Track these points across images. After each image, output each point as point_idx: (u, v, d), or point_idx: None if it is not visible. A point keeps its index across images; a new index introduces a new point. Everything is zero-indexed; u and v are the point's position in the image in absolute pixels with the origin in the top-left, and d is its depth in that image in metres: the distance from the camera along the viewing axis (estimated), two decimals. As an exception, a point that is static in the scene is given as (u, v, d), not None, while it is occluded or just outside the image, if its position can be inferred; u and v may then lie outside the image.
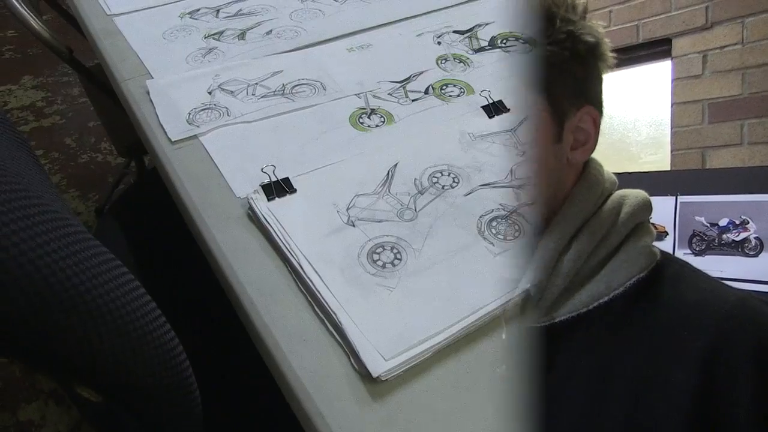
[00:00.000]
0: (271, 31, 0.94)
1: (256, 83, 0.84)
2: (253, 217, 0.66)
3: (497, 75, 0.86)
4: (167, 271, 0.89)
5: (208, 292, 0.86)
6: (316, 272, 0.59)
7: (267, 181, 0.68)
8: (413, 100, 0.81)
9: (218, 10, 1.00)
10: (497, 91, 0.83)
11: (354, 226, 0.64)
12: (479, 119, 0.78)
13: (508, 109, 0.79)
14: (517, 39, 0.93)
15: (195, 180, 0.71)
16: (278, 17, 0.98)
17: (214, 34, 0.94)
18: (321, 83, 0.84)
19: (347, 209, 0.66)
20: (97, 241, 0.48)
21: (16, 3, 1.06)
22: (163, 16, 0.99)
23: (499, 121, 0.78)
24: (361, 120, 0.78)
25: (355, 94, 0.82)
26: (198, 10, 1.00)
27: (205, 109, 0.79)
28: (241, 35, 0.93)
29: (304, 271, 0.59)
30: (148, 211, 0.99)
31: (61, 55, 1.07)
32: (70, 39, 1.10)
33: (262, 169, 0.69)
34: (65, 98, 2.00)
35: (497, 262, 0.61)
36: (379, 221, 0.65)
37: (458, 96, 0.82)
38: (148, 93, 0.83)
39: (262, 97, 0.81)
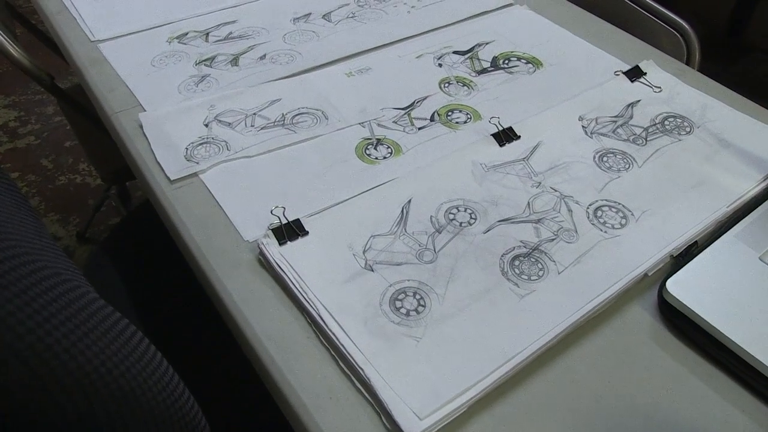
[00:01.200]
0: (264, 55, 0.91)
1: (254, 113, 0.80)
2: (264, 262, 0.63)
3: (502, 98, 0.84)
4: (168, 314, 0.86)
5: (216, 339, 0.82)
6: (338, 324, 0.56)
7: (277, 223, 0.65)
8: (419, 128, 0.79)
9: (207, 34, 0.96)
10: (505, 116, 0.81)
11: (372, 270, 0.61)
12: (490, 148, 0.76)
13: (518, 136, 0.77)
14: (518, 59, 0.91)
15: (198, 222, 0.67)
16: (271, 40, 0.94)
17: (205, 60, 0.90)
18: (322, 112, 0.80)
19: (364, 252, 0.63)
20: (102, 300, 0.45)
21: (-9, 29, 1.01)
22: (150, 41, 0.95)
23: (511, 150, 0.76)
24: (367, 151, 0.75)
25: (359, 123, 0.79)
26: (186, 34, 0.96)
27: (203, 143, 0.76)
28: (234, 60, 0.90)
29: (325, 323, 0.56)
30: (142, 246, 0.95)
31: (42, 82, 1.02)
32: (41, 55, 1.04)
33: (271, 212, 0.66)
34: (39, 117, 1.93)
35: (524, 305, 0.59)
36: (398, 264, 0.62)
37: (465, 122, 0.80)
38: (141, 126, 0.79)
39: (261, 128, 0.78)
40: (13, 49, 1.00)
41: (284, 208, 0.66)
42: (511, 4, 1.03)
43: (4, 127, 1.86)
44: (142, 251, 0.93)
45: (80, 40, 0.96)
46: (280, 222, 0.65)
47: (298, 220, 0.65)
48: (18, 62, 1.00)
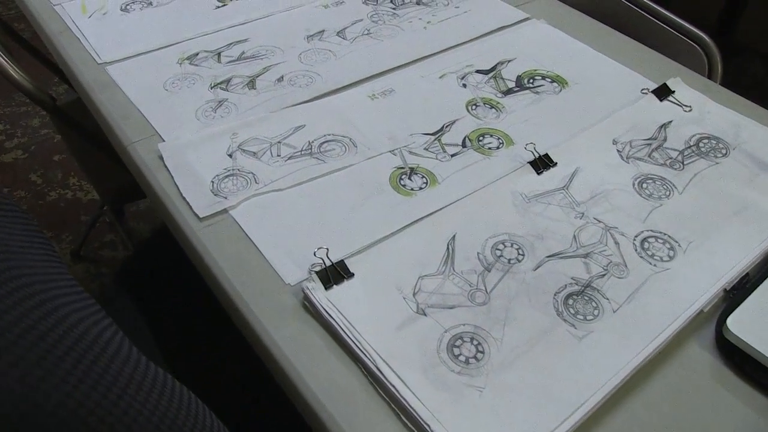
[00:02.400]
0: (282, 77, 0.87)
1: (279, 141, 0.77)
2: (310, 308, 0.60)
3: (532, 121, 0.82)
4: (192, 349, 0.82)
5: (249, 371, 0.79)
6: (397, 375, 0.54)
7: (320, 264, 0.62)
8: (452, 155, 0.76)
9: (219, 54, 0.92)
10: (537, 140, 0.79)
11: (425, 315, 0.59)
12: (528, 176, 0.74)
13: (555, 163, 0.75)
14: (543, 77, 0.89)
15: (233, 263, 0.64)
16: (286, 60, 0.91)
17: (220, 83, 0.86)
18: (350, 139, 0.78)
19: (414, 294, 0.60)
20: (134, 349, 0.42)
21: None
22: (159, 62, 0.91)
23: (549, 178, 0.74)
24: (402, 182, 0.72)
25: (390, 151, 0.76)
26: (197, 54, 0.92)
27: (229, 175, 0.73)
28: (251, 83, 0.86)
29: (382, 374, 0.54)
30: (164, 279, 0.91)
31: (45, 105, 0.97)
32: (23, 65, 0.99)
33: (314, 253, 0.63)
34: (26, 130, 1.86)
35: (584, 348, 0.57)
36: (451, 307, 0.60)
37: (498, 148, 0.78)
38: (161, 157, 0.75)
39: (288, 158, 0.75)
40: (14, 71, 0.95)
41: (327, 249, 0.63)
42: (528, 19, 1.01)
43: (-11, 141, 1.79)
44: (164, 283, 0.89)
45: (86, 63, 0.92)
46: (324, 264, 0.62)
47: (342, 261, 0.62)
48: (20, 85, 0.95)
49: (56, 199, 1.65)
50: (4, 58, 0.95)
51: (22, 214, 0.50)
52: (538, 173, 0.74)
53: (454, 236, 0.66)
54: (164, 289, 1.27)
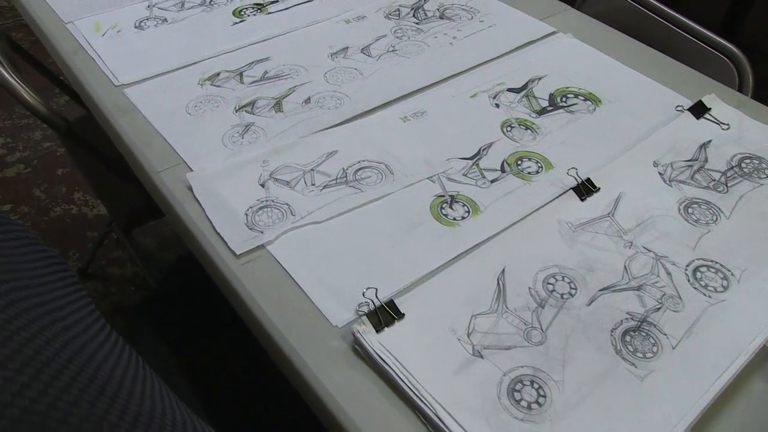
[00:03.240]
0: (309, 98, 0.85)
1: (312, 169, 0.75)
2: (361, 352, 0.57)
3: (569, 142, 0.80)
4: (228, 389, 0.79)
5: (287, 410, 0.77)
6: (459, 424, 0.52)
7: (367, 304, 0.60)
8: (492, 181, 0.74)
9: (241, 74, 0.89)
10: (575, 162, 0.77)
11: (482, 357, 0.57)
12: (572, 203, 0.72)
13: (598, 188, 0.73)
14: (576, 95, 0.87)
15: (275, 303, 0.62)
16: (312, 80, 0.88)
17: (245, 106, 0.84)
18: (385, 165, 0.75)
19: (468, 335, 0.58)
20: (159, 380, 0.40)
21: (4, 72, 0.93)
22: (179, 83, 0.88)
23: (593, 204, 0.72)
24: (443, 211, 0.70)
25: (428, 178, 0.74)
26: (218, 74, 0.89)
27: (263, 207, 0.70)
28: (277, 106, 0.84)
29: (444, 424, 0.52)
30: (188, 309, 0.89)
31: (59, 129, 0.94)
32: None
33: (363, 294, 0.61)
34: (27, 143, 1.82)
35: (646, 389, 0.55)
36: (508, 348, 0.58)
37: (537, 173, 0.75)
38: (189, 188, 0.72)
39: (324, 187, 0.72)
40: (27, 94, 0.92)
41: (376, 289, 0.61)
42: (554, 33, 0.99)
43: (-9, 155, 1.75)
44: (188, 314, 0.87)
45: (103, 85, 0.89)
46: (373, 304, 0.60)
47: (392, 301, 0.60)
48: (34, 108, 0.92)
49: (61, 214, 1.61)
50: (16, 81, 0.92)
51: (17, 226, 0.48)
52: (582, 199, 0.72)
53: (503, 270, 0.64)
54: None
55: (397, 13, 1.02)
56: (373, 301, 0.60)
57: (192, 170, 0.75)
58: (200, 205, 0.70)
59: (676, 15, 1.01)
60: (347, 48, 0.94)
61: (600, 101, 0.86)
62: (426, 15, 1.02)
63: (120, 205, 1.14)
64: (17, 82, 0.92)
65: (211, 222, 0.68)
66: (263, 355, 0.63)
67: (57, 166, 1.75)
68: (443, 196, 0.72)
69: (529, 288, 0.63)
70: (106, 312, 1.40)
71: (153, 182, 0.75)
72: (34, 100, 0.93)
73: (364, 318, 0.58)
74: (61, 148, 1.75)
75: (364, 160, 0.76)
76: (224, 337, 0.81)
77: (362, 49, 0.94)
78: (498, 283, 0.63)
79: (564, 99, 0.87)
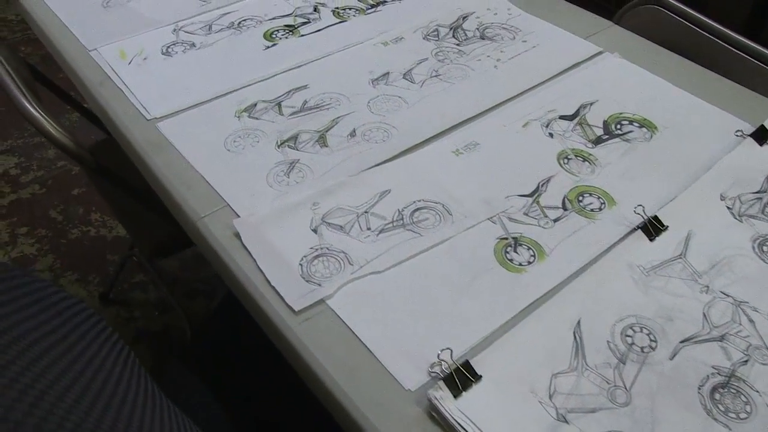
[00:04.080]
0: (354, 131, 0.81)
1: (366, 211, 0.71)
2: (438, 419, 0.54)
3: (629, 174, 0.76)
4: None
5: None
6: (552, 504, 0.48)
7: (440, 364, 0.56)
8: (554, 221, 0.70)
9: (279, 104, 0.85)
10: (639, 197, 0.73)
11: (567, 421, 0.53)
12: (641, 245, 0.68)
13: (666, 227, 0.70)
14: (630, 122, 0.83)
15: (340, 364, 0.58)
16: (355, 110, 0.84)
17: (287, 140, 0.80)
18: (443, 205, 0.71)
19: (550, 397, 0.55)
20: None
21: (27, 104, 0.89)
22: (215, 116, 0.84)
23: (663, 245, 0.68)
24: (508, 255, 0.67)
25: (488, 219, 0.70)
26: (255, 105, 0.85)
27: (318, 256, 0.66)
28: (321, 140, 0.80)
29: (536, 505, 0.48)
30: (230, 355, 0.85)
31: (88, 165, 0.90)
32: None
33: (438, 356, 0.57)
34: (41, 163, 1.77)
35: (747, 457, 0.51)
36: (593, 411, 0.54)
37: (600, 210, 0.72)
38: (236, 235, 0.68)
39: (380, 231, 0.69)
40: (52, 128, 0.88)
41: (451, 350, 0.57)
42: (601, 52, 0.95)
43: (5, 175, 1.70)
44: (231, 361, 0.83)
45: (134, 120, 0.85)
46: (448, 366, 0.56)
47: (467, 363, 0.57)
48: (60, 143, 0.88)
49: (79, 237, 1.58)
50: (42, 116, 0.88)
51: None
52: (651, 239, 0.68)
53: (578, 322, 0.61)
54: (204, 333, 1.21)
55: (436, 33, 0.98)
56: (447, 362, 0.56)
57: (238, 215, 0.71)
58: (250, 254, 0.67)
59: (727, 31, 0.97)
60: (388, 73, 0.91)
61: (656, 128, 0.83)
62: (466, 35, 0.98)
63: (146, 235, 1.10)
64: (43, 116, 0.88)
65: (263, 274, 0.65)
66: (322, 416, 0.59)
67: (72, 186, 1.71)
68: (506, 238, 0.68)
69: (608, 341, 0.59)
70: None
71: (197, 229, 0.71)
72: (61, 135, 0.89)
73: (441, 383, 0.55)
74: (76, 167, 1.72)
75: (419, 200, 0.72)
76: (277, 391, 0.78)
77: (404, 74, 0.90)
78: (575, 336, 0.60)
79: (619, 126, 0.83)
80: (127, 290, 1.47)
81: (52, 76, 1.19)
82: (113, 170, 0.96)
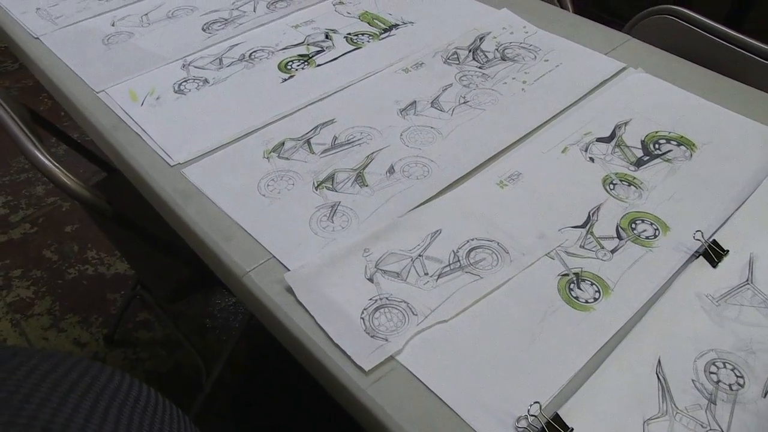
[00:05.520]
0: (392, 167, 0.78)
1: (420, 254, 0.68)
2: (535, 481, 0.51)
3: (677, 197, 0.75)
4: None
5: None
6: None
7: (527, 418, 0.54)
8: (612, 252, 0.69)
9: (308, 141, 0.82)
10: (691, 221, 0.72)
11: (670, 475, 0.51)
12: (704, 272, 0.67)
13: (726, 251, 0.68)
14: (668, 140, 0.82)
15: (421, 425, 0.56)
16: (389, 144, 0.81)
17: (324, 181, 0.77)
18: (498, 243, 0.69)
19: (647, 449, 0.53)
20: None
21: (36, 152, 0.84)
22: (242, 158, 0.80)
23: (727, 271, 0.67)
24: (573, 293, 0.65)
25: (546, 254, 0.68)
26: (283, 144, 0.82)
27: (379, 307, 0.63)
28: (360, 179, 0.77)
29: None
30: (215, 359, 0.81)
31: (105, 212, 0.86)
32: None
33: (528, 411, 0.55)
34: (30, 200, 1.70)
35: None
36: (694, 460, 0.52)
37: (655, 237, 0.70)
38: (288, 289, 0.65)
39: (439, 276, 0.66)
40: (66, 178, 0.83)
41: (540, 404, 0.55)
42: (625, 68, 0.93)
43: (-7, 216, 1.63)
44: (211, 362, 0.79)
45: (157, 167, 0.81)
46: (538, 420, 0.54)
47: (557, 415, 0.54)
48: (76, 193, 0.83)
49: (77, 276, 1.51)
50: (56, 166, 0.83)
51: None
52: (714, 266, 0.67)
53: (659, 361, 0.59)
54: (225, 375, 1.17)
55: (456, 56, 0.96)
56: (537, 418, 0.54)
57: (286, 267, 0.67)
58: (307, 310, 0.63)
59: (743, 37, 0.96)
60: (415, 102, 0.88)
61: (694, 145, 0.82)
62: (487, 57, 0.96)
63: (162, 279, 1.06)
64: (56, 166, 0.83)
65: (325, 331, 0.62)
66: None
67: (65, 223, 1.64)
68: (567, 274, 0.66)
69: (693, 381, 0.58)
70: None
71: (243, 285, 0.68)
72: (74, 184, 0.85)
73: (534, 442, 0.52)
74: (66, 202, 1.65)
75: (473, 239, 0.70)
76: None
77: (431, 102, 0.88)
78: (658, 377, 0.58)
79: (657, 146, 0.82)
80: (131, 330, 1.41)
81: (36, 107, 1.13)
82: (134, 219, 0.91)
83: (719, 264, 0.68)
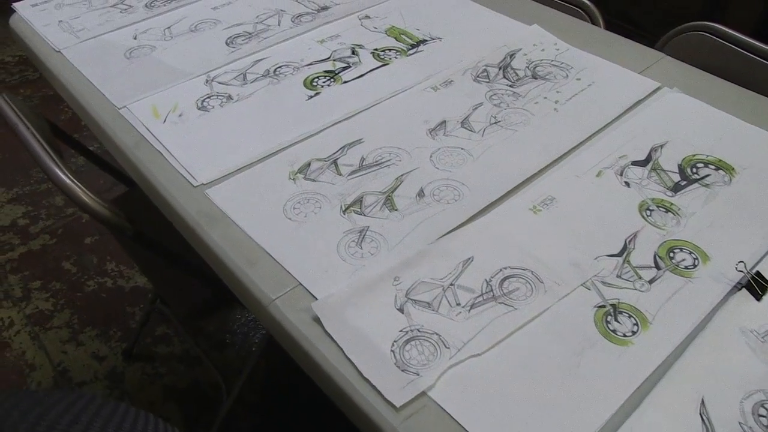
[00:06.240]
0: (422, 190, 0.76)
1: (451, 283, 0.66)
2: None
3: (717, 224, 0.72)
4: None
5: None
6: None
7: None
8: (650, 282, 0.66)
9: (335, 162, 0.80)
10: (730, 250, 0.69)
11: None
12: (749, 306, 0.64)
13: (770, 282, 0.66)
14: (705, 164, 0.79)
15: (455, 466, 0.53)
16: (418, 166, 0.79)
17: (352, 205, 0.75)
18: (531, 272, 0.67)
19: (695, 499, 0.50)
20: None
21: (60, 174, 0.83)
22: (267, 179, 0.79)
23: (773, 304, 0.64)
24: (610, 326, 0.62)
25: (582, 285, 0.66)
26: (308, 165, 0.80)
27: (410, 339, 0.61)
28: (389, 202, 0.75)
29: None
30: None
31: (126, 231, 0.84)
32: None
33: (569, 459, 0.52)
34: (50, 211, 1.70)
35: None
36: None
37: (695, 267, 0.68)
38: (315, 319, 0.63)
39: (471, 306, 0.64)
40: (86, 196, 0.82)
41: (580, 449, 0.53)
42: (660, 88, 0.91)
43: (14, 226, 1.62)
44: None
45: (180, 187, 0.79)
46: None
47: (598, 461, 0.52)
48: (95, 212, 0.82)
49: (95, 289, 1.50)
50: (76, 184, 0.82)
51: None
52: (758, 299, 0.65)
53: (702, 401, 0.56)
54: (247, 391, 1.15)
55: (486, 74, 0.94)
56: (581, 466, 0.52)
57: (314, 295, 0.66)
58: (335, 342, 0.62)
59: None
60: (445, 122, 0.86)
61: (733, 170, 0.79)
62: (517, 75, 0.94)
63: (185, 297, 1.04)
64: (77, 185, 0.82)
65: (353, 364, 0.60)
66: None
67: (84, 235, 1.63)
68: (604, 306, 0.64)
69: (740, 423, 0.55)
70: (158, 397, 1.30)
71: (268, 314, 0.66)
72: (94, 202, 0.84)
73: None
74: (86, 214, 1.64)
75: (506, 268, 0.67)
76: None
77: (461, 122, 0.86)
78: (702, 419, 0.55)
79: (695, 170, 0.79)
80: (150, 344, 1.40)
81: (54, 118, 1.13)
82: (155, 238, 0.90)
83: (764, 297, 0.65)
